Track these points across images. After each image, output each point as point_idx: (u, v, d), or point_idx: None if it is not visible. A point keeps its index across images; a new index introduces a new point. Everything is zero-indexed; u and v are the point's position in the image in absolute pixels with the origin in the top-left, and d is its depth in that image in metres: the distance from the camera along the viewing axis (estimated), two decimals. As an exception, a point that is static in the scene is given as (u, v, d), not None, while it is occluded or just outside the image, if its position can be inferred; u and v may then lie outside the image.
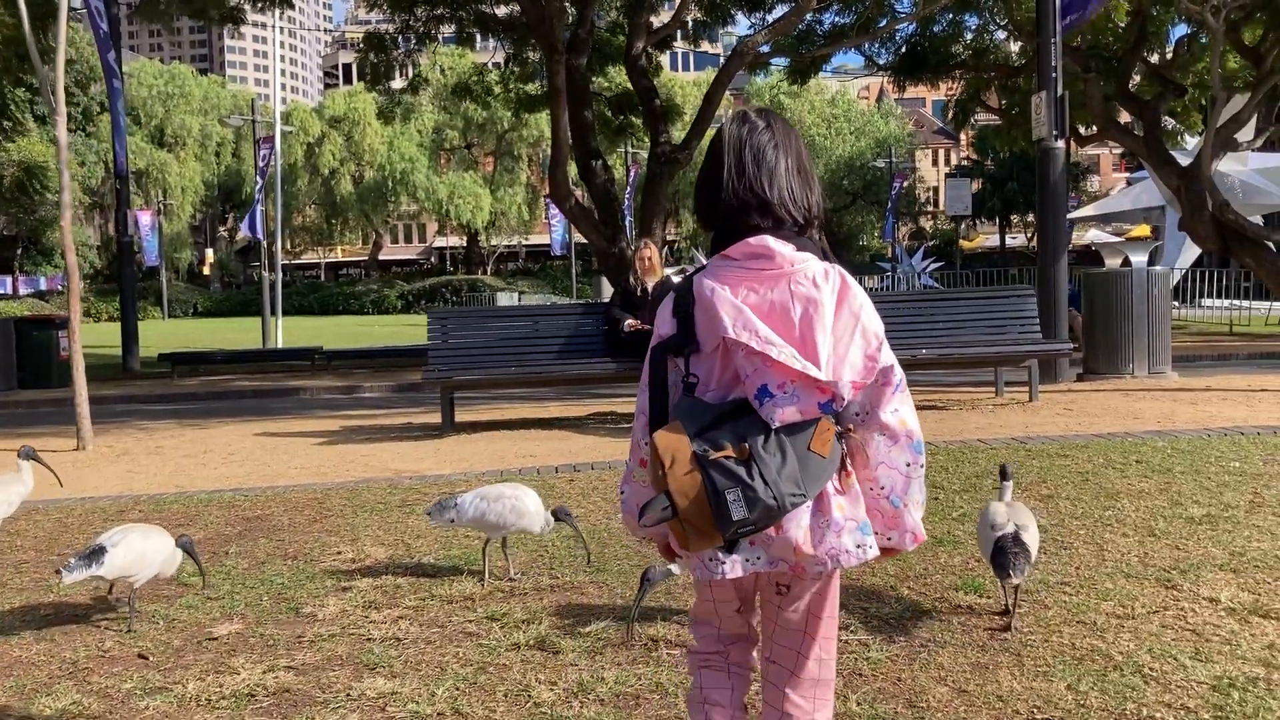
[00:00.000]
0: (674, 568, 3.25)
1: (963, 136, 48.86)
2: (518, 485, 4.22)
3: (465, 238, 59.61)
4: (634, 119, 22.44)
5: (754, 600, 2.21)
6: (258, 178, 26.67)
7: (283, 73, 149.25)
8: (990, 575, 3.67)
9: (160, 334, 30.12)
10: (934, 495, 5.30)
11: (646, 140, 25.78)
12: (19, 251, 55.45)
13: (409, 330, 31.12)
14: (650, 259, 9.04)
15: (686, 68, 79.29)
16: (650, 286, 8.87)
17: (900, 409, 2.07)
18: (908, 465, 2.05)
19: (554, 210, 42.47)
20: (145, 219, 48.74)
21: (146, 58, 74.03)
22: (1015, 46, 20.25)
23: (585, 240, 18.07)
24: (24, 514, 5.69)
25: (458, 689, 3.07)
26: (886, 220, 45.29)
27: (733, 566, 1.99)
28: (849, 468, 2.03)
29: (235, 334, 29.17)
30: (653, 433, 1.98)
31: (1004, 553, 3.46)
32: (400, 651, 3.41)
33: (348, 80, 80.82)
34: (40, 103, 51.91)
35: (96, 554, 3.54)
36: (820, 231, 2.17)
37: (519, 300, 41.05)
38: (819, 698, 2.17)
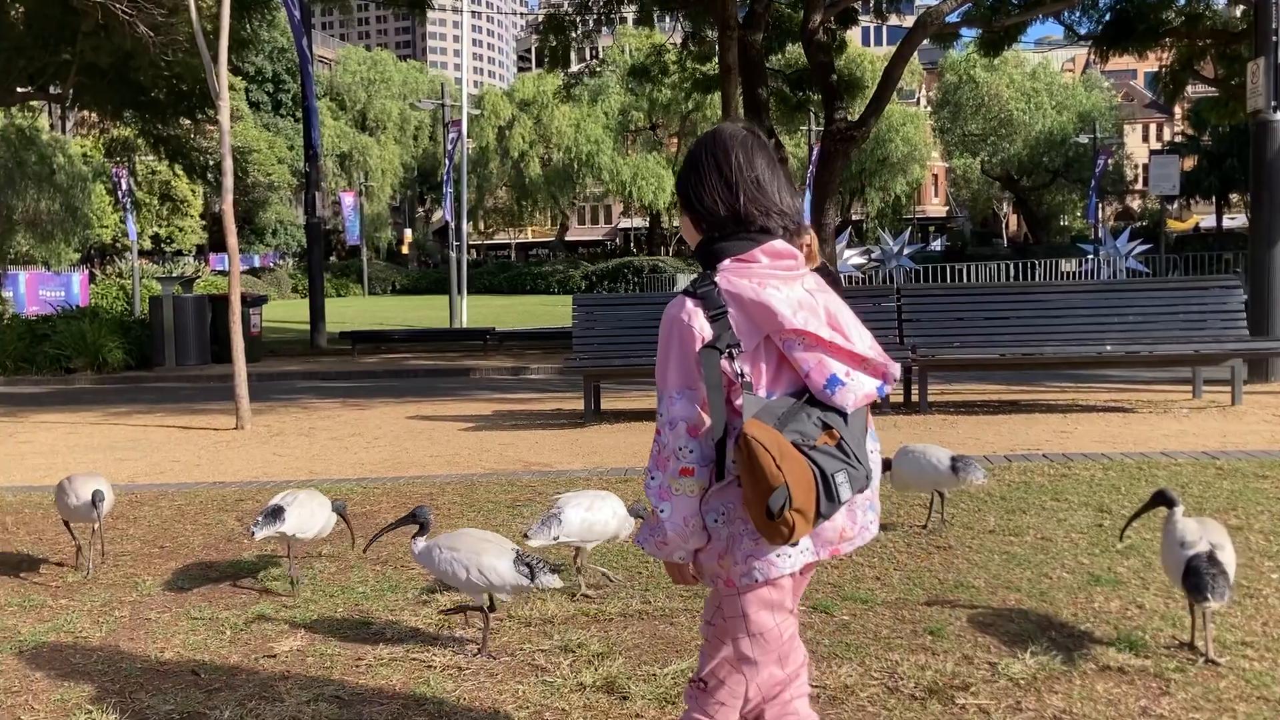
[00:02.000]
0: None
1: (1176, 109, 45.41)
2: (601, 493, 3.90)
3: (648, 219, 59.77)
4: (813, 95, 21.69)
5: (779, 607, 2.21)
6: (445, 160, 27.29)
7: (479, 57, 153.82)
8: (1163, 612, 3.07)
9: (357, 310, 31.37)
10: (1097, 522, 4.63)
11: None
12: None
13: (587, 311, 31.31)
14: (808, 244, 8.48)
15: (879, 42, 76.88)
16: (804, 274, 8.34)
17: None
18: (874, 446, 2.20)
19: (736, 190, 41.91)
20: (348, 200, 50.97)
21: (353, 45, 77.37)
22: (1235, 10, 18.39)
23: (759, 222, 17.54)
24: (150, 498, 5.74)
25: (501, 738, 2.75)
26: (1089, 199, 42.53)
27: (797, 558, 2.11)
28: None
29: (426, 311, 30.04)
30: (744, 432, 1.98)
31: (1198, 573, 3.04)
32: (457, 685, 3.11)
33: (539, 64, 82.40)
34: (253, 89, 55.17)
35: (277, 513, 3.91)
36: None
37: (699, 281, 40.66)
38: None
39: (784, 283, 2.13)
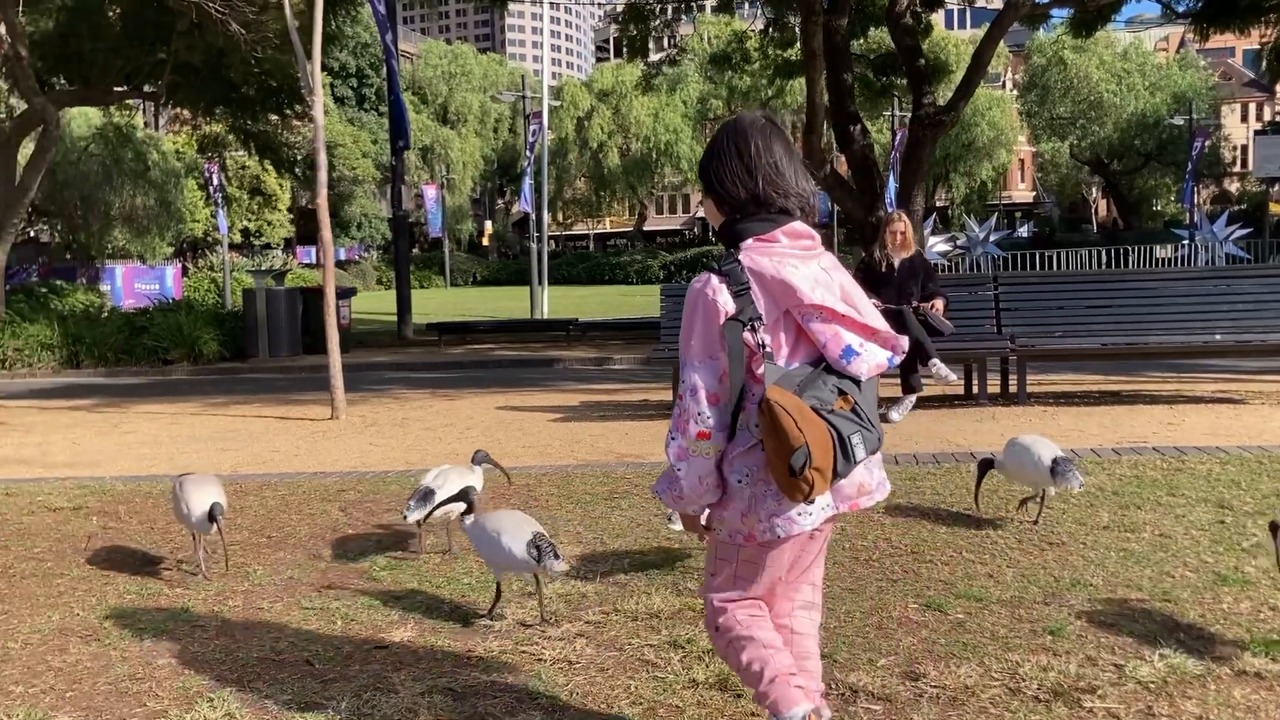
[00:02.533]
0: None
1: (1278, 89, 43.68)
2: None
3: (728, 207, 59.47)
4: (898, 80, 21.32)
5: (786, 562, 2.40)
6: (526, 152, 27.45)
7: (557, 48, 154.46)
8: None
9: (441, 301, 31.78)
10: (1219, 519, 4.45)
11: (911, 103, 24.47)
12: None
13: (667, 301, 31.29)
14: (903, 232, 8.35)
15: (963, 25, 75.41)
16: (898, 262, 8.19)
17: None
18: None
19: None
20: (430, 193, 51.68)
21: (433, 39, 78.24)
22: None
23: (841, 209, 17.34)
24: (255, 489, 5.85)
25: (617, 735, 2.72)
26: (1185, 183, 41.20)
27: (816, 516, 2.29)
28: None
29: (507, 302, 30.31)
30: (767, 398, 2.16)
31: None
32: (569, 679, 3.09)
33: (618, 54, 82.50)
34: (337, 84, 56.10)
35: (428, 495, 4.17)
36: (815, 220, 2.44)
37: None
38: (813, 629, 2.57)
39: (802, 261, 2.31)
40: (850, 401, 2.23)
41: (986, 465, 4.66)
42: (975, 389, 8.56)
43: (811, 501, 2.24)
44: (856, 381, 2.27)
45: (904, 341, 2.36)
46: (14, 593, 4.11)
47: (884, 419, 7.70)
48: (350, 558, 4.43)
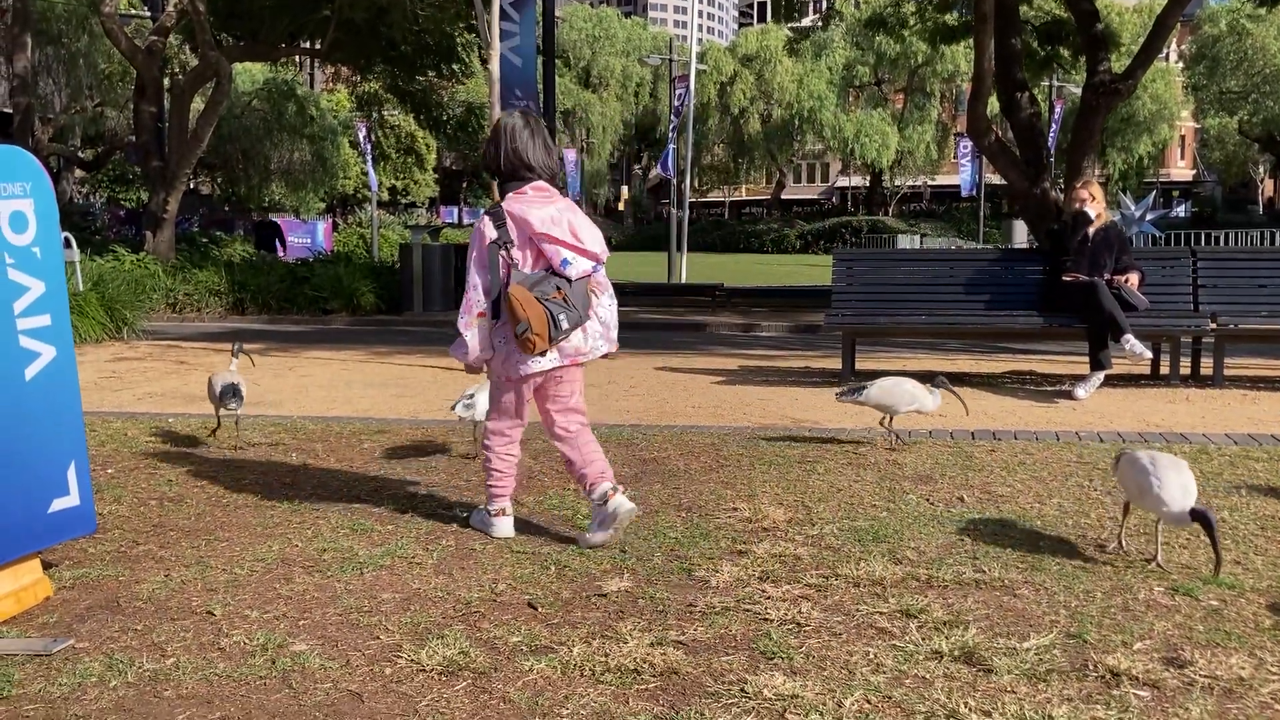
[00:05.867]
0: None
1: None
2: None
3: (869, 177, 58.22)
4: (1062, 50, 20.40)
5: (530, 394, 3.89)
6: (672, 117, 27.25)
7: (700, 13, 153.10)
8: None
9: (576, 264, 31.91)
10: None
11: (1074, 74, 23.42)
12: (464, 184, 61.30)
13: (807, 270, 30.85)
14: (1095, 197, 7.94)
15: (1126, -8, 71.90)
16: (1092, 231, 7.78)
17: (602, 275, 3.83)
18: (609, 302, 3.88)
19: (965, 148, 40.10)
20: (570, 156, 51.93)
21: (578, 2, 78.48)
22: None
23: (1003, 180, 16.67)
24: (441, 434, 5.89)
25: (869, 702, 2.60)
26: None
27: (546, 362, 3.74)
28: (593, 303, 3.79)
29: (644, 267, 30.32)
30: (507, 291, 3.62)
31: None
32: (801, 641, 2.98)
33: (761, 18, 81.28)
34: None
35: (470, 399, 4.91)
36: (563, 183, 4.27)
37: (920, 244, 39.45)
38: (583, 430, 3.92)
39: (540, 205, 3.71)
40: (563, 294, 3.64)
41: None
42: (1165, 369, 8.11)
43: (542, 355, 3.71)
44: (570, 281, 3.69)
45: (604, 255, 3.76)
46: (231, 521, 4.21)
47: (1069, 396, 7.35)
48: (551, 505, 4.41)
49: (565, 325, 3.60)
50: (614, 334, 3.89)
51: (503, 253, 3.66)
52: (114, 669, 2.83)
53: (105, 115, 29.15)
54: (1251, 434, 5.84)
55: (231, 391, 5.45)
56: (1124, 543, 3.79)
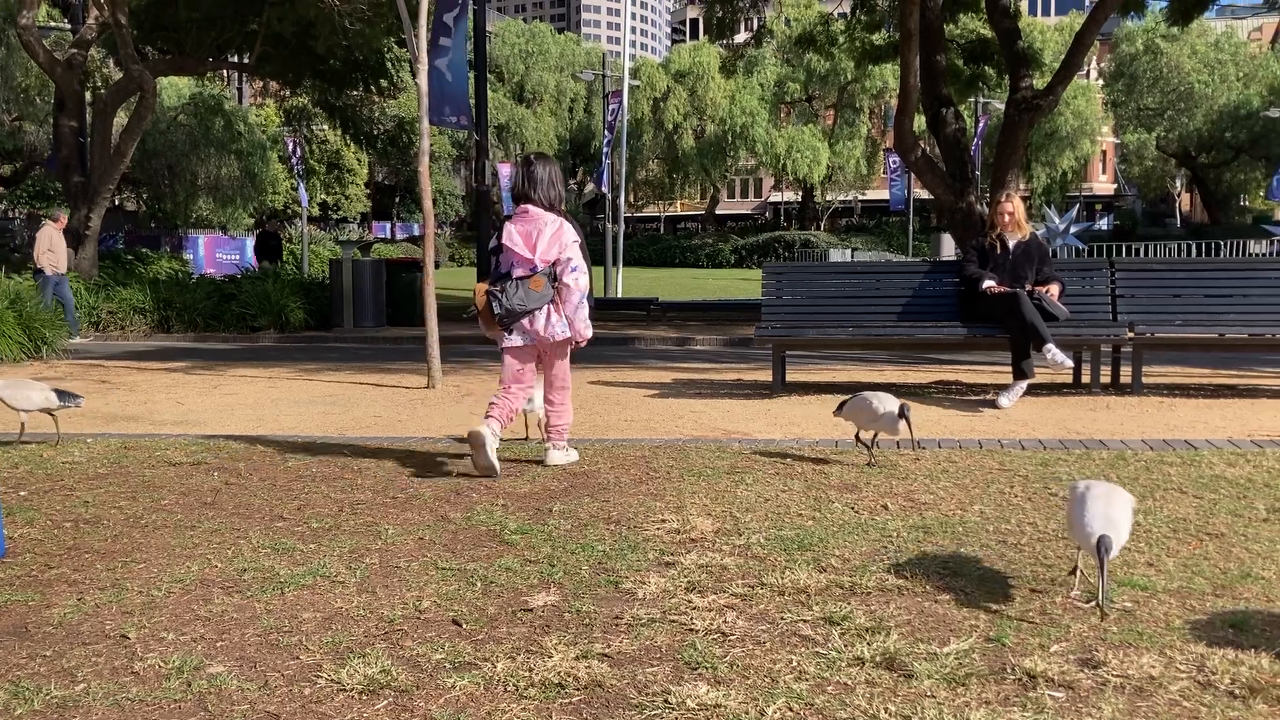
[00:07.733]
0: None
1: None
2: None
3: (801, 193, 58.86)
4: (988, 69, 20.84)
5: (534, 363, 5.40)
6: (606, 132, 27.31)
7: (633, 30, 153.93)
8: None
9: (510, 280, 31.78)
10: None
11: (997, 91, 23.99)
12: (396, 200, 60.80)
13: (741, 284, 31.09)
14: (1014, 213, 8.11)
15: (1046, 12, 73.81)
16: (1012, 244, 7.96)
17: (572, 279, 5.17)
18: (577, 301, 5.20)
19: (894, 163, 40.76)
20: (505, 171, 51.79)
21: (511, 18, 78.42)
22: None
23: (929, 194, 16.97)
24: (371, 450, 5.82)
25: (791, 709, 2.61)
26: (1274, 178, 39.85)
27: (511, 339, 5.23)
28: (558, 299, 5.20)
29: (577, 282, 30.24)
30: (477, 285, 5.35)
31: None
32: (726, 650, 2.99)
33: (694, 35, 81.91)
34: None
35: (530, 400, 5.70)
36: (560, 208, 5.31)
37: (852, 257, 39.98)
38: (565, 400, 5.45)
39: (521, 223, 5.22)
40: (503, 288, 5.10)
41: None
42: (1086, 377, 8.30)
43: (510, 333, 5.19)
44: (510, 277, 5.15)
45: (541, 266, 5.18)
46: (150, 543, 4.12)
47: (993, 405, 7.49)
48: (478, 520, 4.37)
49: (498, 310, 5.07)
50: (580, 326, 5.19)
51: (492, 257, 5.31)
52: (19, 697, 2.74)
53: (24, 130, 28.43)
54: (1166, 439, 6.00)
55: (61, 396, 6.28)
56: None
